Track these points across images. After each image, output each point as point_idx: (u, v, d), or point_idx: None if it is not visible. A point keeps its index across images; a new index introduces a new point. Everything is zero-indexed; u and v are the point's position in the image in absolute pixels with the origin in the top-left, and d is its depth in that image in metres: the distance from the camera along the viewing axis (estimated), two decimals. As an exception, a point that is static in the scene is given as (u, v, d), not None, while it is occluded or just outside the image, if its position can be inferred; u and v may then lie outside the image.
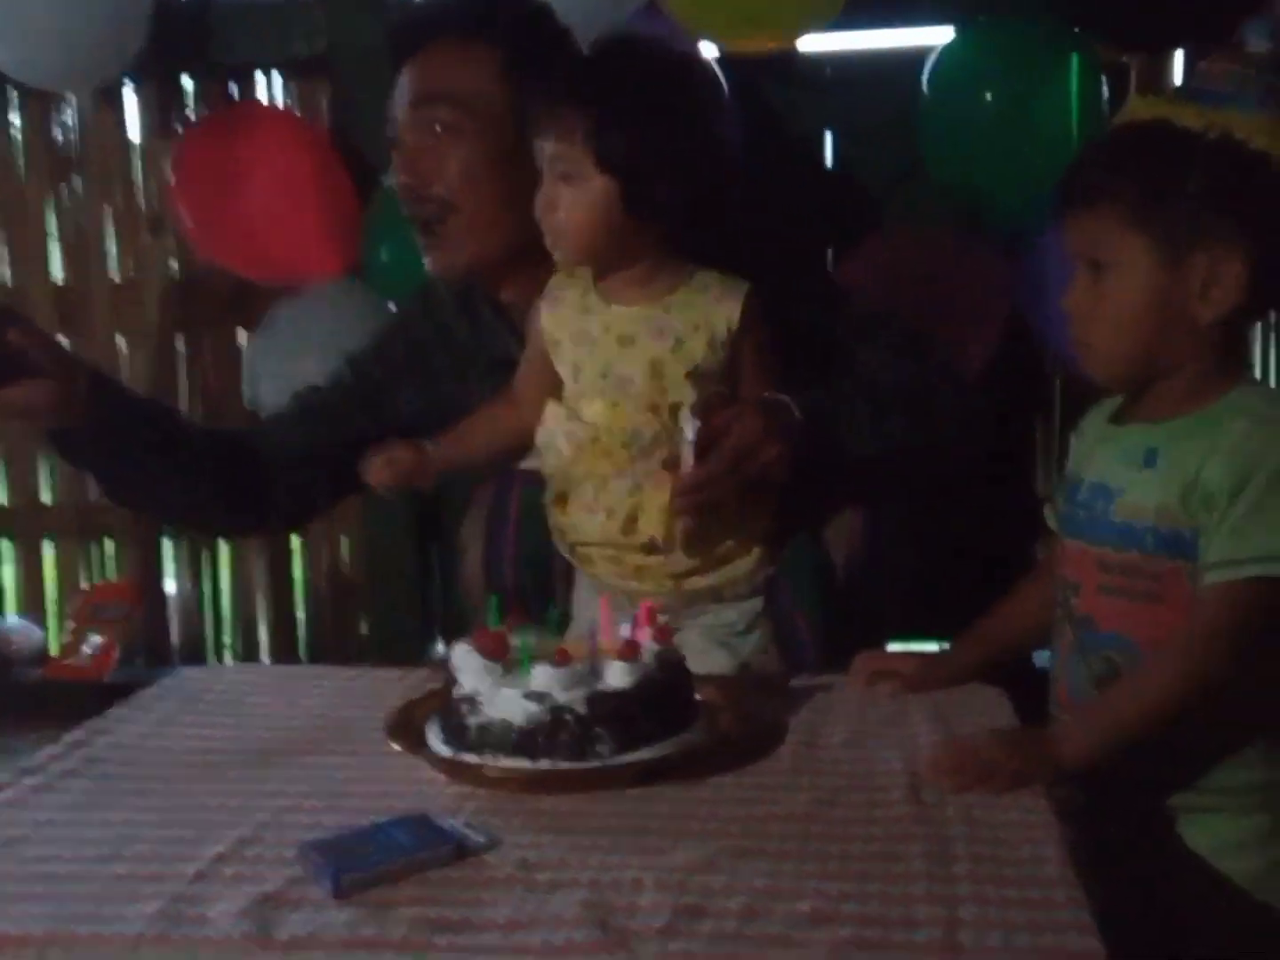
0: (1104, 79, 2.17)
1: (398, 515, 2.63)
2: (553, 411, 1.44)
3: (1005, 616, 1.38)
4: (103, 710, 1.35)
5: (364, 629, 2.84)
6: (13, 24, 2.37)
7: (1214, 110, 1.16)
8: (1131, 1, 2.14)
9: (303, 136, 2.47)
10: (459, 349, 1.68)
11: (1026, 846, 0.96)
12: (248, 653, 2.92)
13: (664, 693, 1.15)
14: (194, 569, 2.91)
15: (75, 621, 2.81)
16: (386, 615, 2.72)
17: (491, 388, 1.58)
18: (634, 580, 1.45)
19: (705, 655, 1.42)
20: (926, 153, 2.26)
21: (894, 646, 1.61)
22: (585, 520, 1.45)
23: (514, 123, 1.52)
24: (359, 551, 2.81)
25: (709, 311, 1.40)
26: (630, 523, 1.41)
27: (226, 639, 2.96)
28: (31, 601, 2.96)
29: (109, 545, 2.92)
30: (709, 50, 2.30)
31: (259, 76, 2.68)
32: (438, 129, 1.56)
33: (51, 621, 2.96)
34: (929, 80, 2.21)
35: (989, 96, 2.17)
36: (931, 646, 1.77)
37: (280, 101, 2.69)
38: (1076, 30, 2.19)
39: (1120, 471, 1.22)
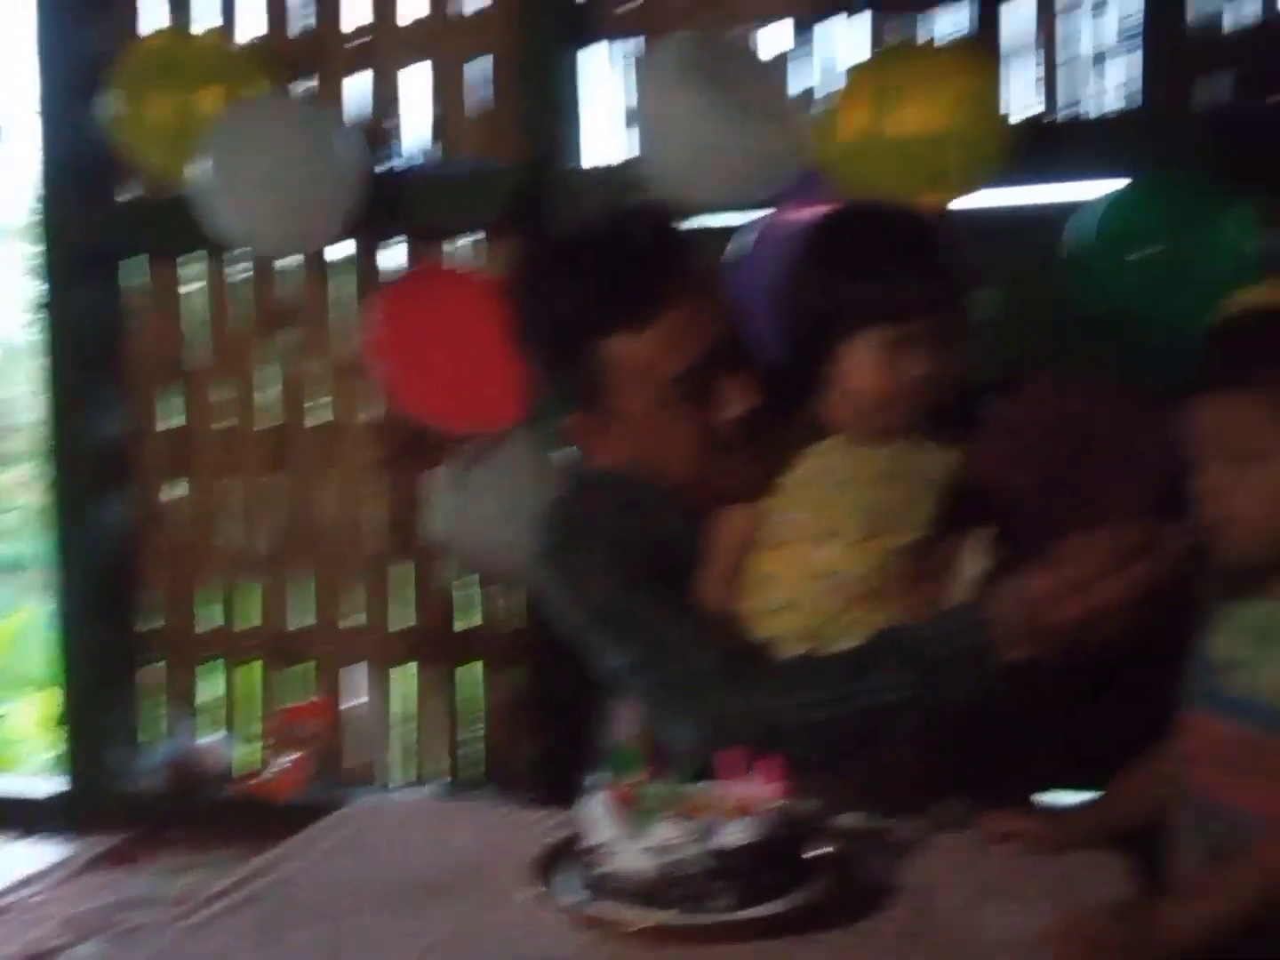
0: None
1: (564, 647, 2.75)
2: (792, 568, 1.50)
3: (1135, 780, 1.38)
4: (280, 829, 1.48)
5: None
6: (239, 198, 2.66)
7: None
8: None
9: (483, 295, 2.66)
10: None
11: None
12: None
13: (784, 848, 1.21)
14: (383, 691, 3.11)
15: (271, 739, 3.03)
16: (550, 743, 2.84)
17: None
18: None
19: None
20: (1076, 304, 2.28)
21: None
22: None
23: None
24: (530, 679, 2.96)
25: None
26: None
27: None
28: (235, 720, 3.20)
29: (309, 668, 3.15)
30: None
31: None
32: None
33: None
34: (1086, 232, 2.25)
35: (1146, 250, 2.19)
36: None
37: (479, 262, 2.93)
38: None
39: (1241, 646, 1.23)
